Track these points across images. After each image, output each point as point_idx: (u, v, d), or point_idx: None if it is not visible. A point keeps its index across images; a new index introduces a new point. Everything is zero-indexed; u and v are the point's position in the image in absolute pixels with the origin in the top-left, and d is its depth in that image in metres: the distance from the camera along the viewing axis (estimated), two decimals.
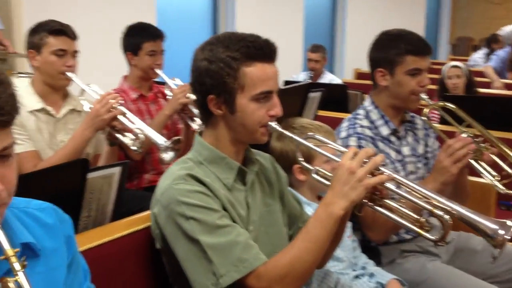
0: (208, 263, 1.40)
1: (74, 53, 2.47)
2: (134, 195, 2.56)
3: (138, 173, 2.88)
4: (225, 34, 1.53)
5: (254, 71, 1.47)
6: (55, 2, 4.57)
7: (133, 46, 2.91)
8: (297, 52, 7.47)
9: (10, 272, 0.88)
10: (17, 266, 0.87)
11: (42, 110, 2.41)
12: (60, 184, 1.56)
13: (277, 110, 1.52)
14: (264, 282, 1.41)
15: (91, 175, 1.67)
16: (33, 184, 1.38)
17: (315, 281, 1.83)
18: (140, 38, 2.92)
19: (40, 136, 2.38)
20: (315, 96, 2.86)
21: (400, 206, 1.50)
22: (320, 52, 5.59)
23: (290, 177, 1.89)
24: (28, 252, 0.98)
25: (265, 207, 1.62)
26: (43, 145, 2.38)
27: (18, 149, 2.21)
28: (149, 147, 2.73)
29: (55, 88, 2.47)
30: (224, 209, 1.47)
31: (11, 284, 0.86)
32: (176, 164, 1.55)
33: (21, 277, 0.86)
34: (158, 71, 2.92)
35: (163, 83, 2.99)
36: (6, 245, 0.88)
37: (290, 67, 6.63)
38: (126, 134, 2.37)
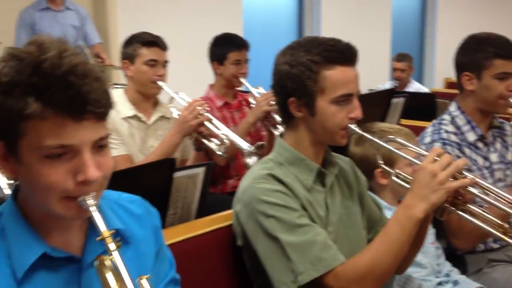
0: (287, 260, 1.43)
1: (165, 63, 2.61)
2: (218, 199, 2.65)
3: (222, 178, 2.97)
4: (306, 38, 1.57)
5: (334, 74, 1.50)
6: (147, 16, 4.83)
7: (219, 56, 3.03)
8: (384, 60, 7.36)
9: (106, 253, 0.96)
10: (112, 246, 0.95)
11: (134, 117, 2.56)
12: (149, 182, 1.66)
13: (357, 112, 1.53)
14: (342, 282, 1.42)
15: (177, 174, 1.77)
16: (125, 181, 1.49)
17: (396, 286, 1.81)
18: (225, 48, 3.03)
19: (132, 141, 2.52)
20: (398, 101, 2.82)
21: (483, 211, 1.47)
22: (406, 61, 5.49)
23: (371, 182, 1.89)
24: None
25: (344, 209, 1.64)
26: (135, 150, 2.52)
27: (112, 152, 2.36)
28: (234, 153, 2.82)
29: (146, 96, 2.61)
30: (304, 209, 1.50)
31: (107, 262, 0.94)
32: (258, 165, 1.60)
33: (116, 256, 0.94)
34: (242, 80, 3.01)
35: (248, 92, 3.08)
36: (103, 227, 0.96)
37: (377, 76, 6.54)
38: (212, 139, 2.47)
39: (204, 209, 1.99)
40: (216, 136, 2.46)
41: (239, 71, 3.01)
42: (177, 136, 2.44)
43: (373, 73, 5.96)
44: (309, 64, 1.49)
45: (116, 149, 2.42)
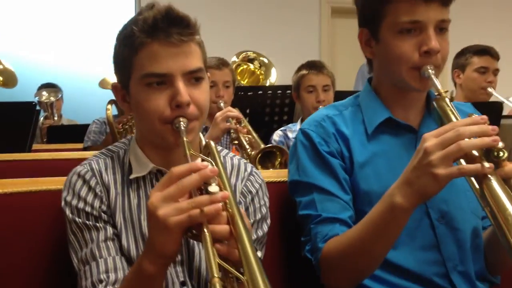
0: None
1: (495, 71, 2.71)
2: None
3: None
4: None
5: None
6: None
7: None
8: None
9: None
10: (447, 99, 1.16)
11: None
12: None
13: None
14: None
15: (504, 122, 1.82)
16: None
17: None
18: None
19: None
20: None
21: None
22: None
23: None
24: None
25: None
26: None
27: None
28: None
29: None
30: None
31: (444, 100, 1.15)
32: None
33: (448, 101, 1.16)
34: None
35: None
36: (440, 88, 1.18)
37: None
38: None
39: None
40: None
41: None
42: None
43: None
44: None
45: None
